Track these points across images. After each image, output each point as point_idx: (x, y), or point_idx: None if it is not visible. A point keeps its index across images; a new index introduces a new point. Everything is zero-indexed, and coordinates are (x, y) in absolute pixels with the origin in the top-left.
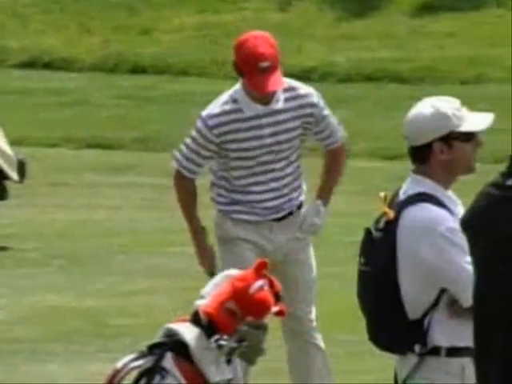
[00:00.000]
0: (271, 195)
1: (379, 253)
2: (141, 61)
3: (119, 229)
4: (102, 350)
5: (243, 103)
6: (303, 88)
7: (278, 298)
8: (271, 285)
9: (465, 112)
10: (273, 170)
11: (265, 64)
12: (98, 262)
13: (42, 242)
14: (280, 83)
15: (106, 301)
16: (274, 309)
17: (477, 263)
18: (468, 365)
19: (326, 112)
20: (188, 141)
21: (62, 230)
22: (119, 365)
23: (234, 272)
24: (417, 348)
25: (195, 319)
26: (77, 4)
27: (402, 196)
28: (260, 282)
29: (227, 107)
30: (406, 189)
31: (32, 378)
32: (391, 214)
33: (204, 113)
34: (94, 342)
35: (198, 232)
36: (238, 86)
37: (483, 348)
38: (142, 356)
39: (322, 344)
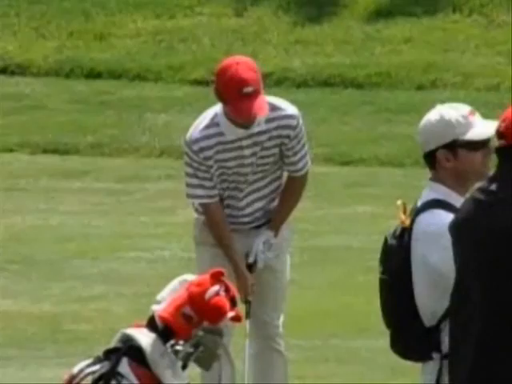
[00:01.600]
0: (251, 210)
1: (394, 261)
2: (96, 66)
3: (74, 234)
4: (58, 355)
5: (224, 127)
6: (287, 109)
7: (233, 303)
8: (227, 290)
9: (474, 119)
10: (257, 189)
11: (249, 89)
12: (53, 267)
13: None
14: (265, 108)
15: (61, 306)
16: (230, 314)
17: (459, 267)
18: None
19: (301, 139)
20: (186, 170)
21: (17, 235)
22: (75, 370)
23: (190, 277)
24: (434, 355)
25: (151, 324)
26: (32, 9)
27: (419, 203)
28: (216, 288)
29: (209, 131)
30: (423, 196)
31: None
32: (407, 221)
33: (187, 138)
34: (50, 347)
35: (236, 260)
36: (218, 109)
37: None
38: (97, 361)
39: (283, 350)
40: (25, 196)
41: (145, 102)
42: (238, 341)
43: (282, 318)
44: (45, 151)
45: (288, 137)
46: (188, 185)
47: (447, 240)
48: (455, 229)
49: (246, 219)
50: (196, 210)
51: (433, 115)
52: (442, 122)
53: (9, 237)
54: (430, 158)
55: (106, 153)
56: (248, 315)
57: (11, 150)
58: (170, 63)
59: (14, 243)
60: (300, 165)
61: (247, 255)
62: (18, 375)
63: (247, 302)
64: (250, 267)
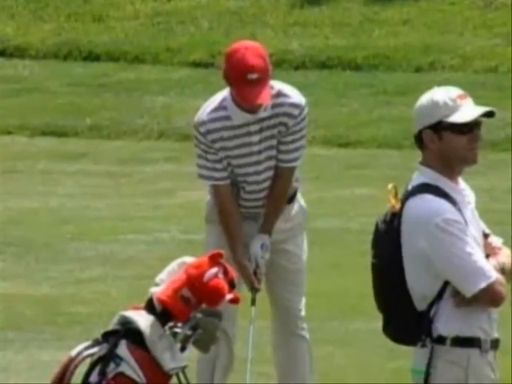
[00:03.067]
0: (260, 203)
1: (384, 245)
2: (94, 48)
3: (73, 216)
4: (56, 337)
5: (232, 111)
6: (293, 97)
7: (232, 285)
8: (225, 272)
9: (463, 103)
10: (264, 181)
11: (254, 76)
12: (51, 250)
13: None
14: (268, 97)
15: (59, 288)
16: (228, 296)
17: None
18: (474, 355)
19: (302, 129)
20: (196, 151)
21: (15, 218)
22: (73, 352)
23: (188, 259)
24: (424, 338)
25: (150, 307)
26: None
27: (409, 187)
28: (214, 270)
29: (216, 114)
30: (413, 180)
31: None
32: (397, 206)
33: (195, 120)
34: (48, 329)
35: (236, 250)
36: (227, 92)
37: None
38: (96, 344)
39: (307, 335)
40: (23, 178)
41: (143, 85)
42: (243, 324)
43: (303, 301)
44: (43, 133)
45: (285, 125)
46: (198, 166)
47: (434, 225)
48: None
49: (255, 210)
50: (209, 191)
51: (424, 97)
52: (429, 103)
53: (7, 219)
54: (419, 140)
55: (105, 135)
56: (253, 302)
57: (9, 133)
58: (169, 45)
59: (12, 226)
60: (294, 155)
61: (249, 260)
62: (17, 358)
63: (253, 289)
64: (254, 273)
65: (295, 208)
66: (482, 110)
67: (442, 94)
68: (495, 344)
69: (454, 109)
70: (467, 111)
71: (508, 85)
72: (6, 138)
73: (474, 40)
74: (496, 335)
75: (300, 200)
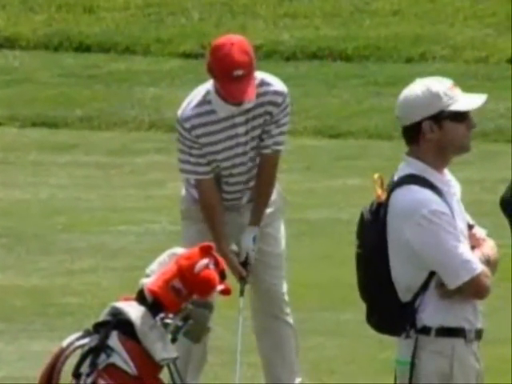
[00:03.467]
0: (240, 194)
1: (370, 235)
2: (85, 39)
3: (63, 207)
4: (47, 328)
5: (216, 104)
6: (275, 85)
7: (223, 276)
8: (216, 263)
9: (457, 92)
10: (248, 171)
11: (239, 72)
12: (42, 241)
13: None
14: (253, 92)
15: (50, 279)
16: (219, 287)
17: None
18: (459, 345)
19: (286, 116)
20: (179, 146)
21: (5, 209)
22: (65, 343)
23: (179, 250)
24: (408, 329)
25: (141, 298)
26: None
27: (395, 178)
28: (205, 261)
29: (201, 109)
30: (399, 171)
31: None
32: (383, 196)
33: (179, 115)
34: (38, 320)
35: (221, 245)
36: (210, 86)
37: None
38: (87, 335)
39: (290, 320)
40: (13, 169)
41: (134, 76)
42: (230, 315)
43: (285, 286)
44: (34, 124)
45: (270, 113)
46: (181, 161)
47: (420, 216)
48: (508, 204)
49: (237, 202)
50: (186, 185)
51: (417, 88)
52: (428, 94)
53: None
54: (412, 132)
55: (95, 126)
56: (242, 293)
57: (0, 124)
58: (159, 36)
59: (2, 217)
60: (278, 139)
61: (237, 254)
62: (7, 349)
63: (241, 280)
64: (244, 265)
65: (274, 193)
66: (483, 97)
67: (437, 84)
68: (479, 334)
69: (452, 98)
70: (465, 100)
71: (499, 75)
72: None
73: (464, 30)
74: (480, 325)
75: (277, 185)
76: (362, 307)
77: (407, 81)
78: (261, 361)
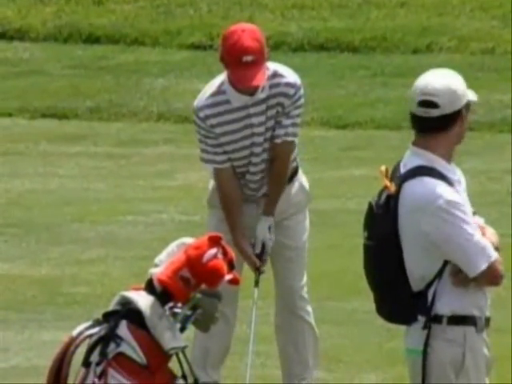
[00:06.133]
0: (258, 185)
1: (381, 227)
2: (94, 31)
3: (73, 198)
4: (57, 318)
5: (230, 94)
6: (288, 77)
7: (231, 266)
8: (225, 253)
9: None
10: (263, 161)
11: (249, 58)
12: (51, 231)
13: None
14: (262, 79)
15: (59, 269)
16: (228, 277)
17: None
18: (470, 333)
19: (299, 107)
20: (197, 136)
21: (15, 199)
22: (75, 332)
23: (188, 240)
24: (420, 318)
25: (150, 287)
26: None
27: (402, 169)
28: (213, 251)
29: (215, 99)
30: (406, 162)
31: None
32: (392, 188)
33: (194, 105)
34: (49, 310)
35: (237, 236)
36: (224, 76)
37: None
38: (96, 324)
39: (306, 316)
40: (24, 160)
41: (143, 67)
42: (243, 305)
43: (304, 281)
44: (43, 116)
45: (282, 105)
46: (200, 150)
47: (437, 208)
48: None
49: (256, 193)
50: (212, 175)
51: (452, 76)
52: (462, 82)
53: (7, 201)
54: (449, 120)
55: (104, 117)
56: (257, 284)
57: (10, 115)
58: (168, 28)
59: (12, 207)
60: (290, 130)
61: (253, 246)
62: (18, 338)
63: (257, 271)
64: (260, 255)
65: (295, 187)
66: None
67: (456, 74)
68: (488, 322)
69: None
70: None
71: (505, 66)
72: (7, 120)
73: (470, 22)
74: (488, 313)
75: (301, 179)
76: (369, 296)
77: (414, 72)
78: (279, 353)
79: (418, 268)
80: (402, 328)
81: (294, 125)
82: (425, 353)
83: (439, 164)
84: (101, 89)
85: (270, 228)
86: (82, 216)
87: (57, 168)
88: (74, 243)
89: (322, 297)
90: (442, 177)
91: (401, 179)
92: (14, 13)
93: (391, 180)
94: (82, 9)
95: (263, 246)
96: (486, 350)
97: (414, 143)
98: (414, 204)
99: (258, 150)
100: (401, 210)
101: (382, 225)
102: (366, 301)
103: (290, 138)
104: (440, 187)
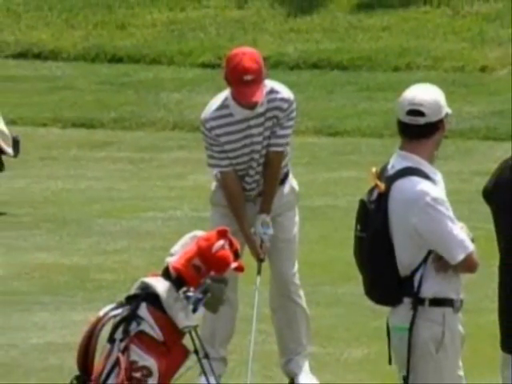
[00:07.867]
0: (256, 186)
1: (373, 221)
2: (118, 52)
3: (100, 196)
4: (86, 301)
5: (233, 108)
6: (283, 93)
7: (236, 255)
8: (231, 244)
9: None
10: (259, 165)
11: (249, 77)
12: (81, 225)
13: (33, 208)
14: (261, 95)
15: (88, 258)
16: (233, 265)
17: (502, 229)
18: (449, 314)
19: (291, 119)
20: (204, 144)
21: (50, 198)
22: (101, 313)
23: (199, 233)
24: (406, 300)
25: (166, 274)
26: (62, 3)
27: (390, 171)
28: (221, 242)
29: (219, 112)
30: (394, 164)
31: (25, 324)
32: (382, 186)
33: (201, 117)
34: (78, 294)
35: (245, 229)
36: (228, 92)
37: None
38: (120, 306)
39: (298, 300)
40: (57, 164)
41: (160, 83)
42: (247, 290)
43: (295, 269)
44: (74, 125)
45: (277, 117)
46: (207, 156)
47: (425, 204)
48: (492, 196)
49: (253, 192)
50: (215, 178)
51: (435, 89)
52: (440, 96)
53: (43, 199)
54: (432, 127)
55: (127, 126)
56: (259, 272)
57: (45, 125)
58: (182, 49)
59: (48, 205)
60: (281, 141)
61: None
62: (52, 318)
63: (259, 260)
64: (260, 247)
65: (286, 188)
66: None
67: (438, 88)
68: (462, 304)
69: None
70: None
71: (474, 82)
72: (42, 129)
73: (444, 44)
74: (462, 296)
75: (292, 181)
76: (356, 282)
77: (395, 87)
78: (275, 332)
79: (406, 256)
80: (385, 309)
81: (285, 136)
82: (411, 330)
83: (424, 166)
84: (124, 102)
85: (263, 224)
86: (107, 212)
87: (85, 171)
88: (101, 236)
89: (316, 282)
90: (427, 177)
91: (390, 179)
92: (48, 36)
93: (379, 180)
94: (107, 33)
95: (261, 239)
96: (461, 328)
97: (401, 148)
98: (404, 200)
99: (256, 156)
100: (391, 205)
101: (375, 219)
102: (353, 286)
103: (280, 149)
104: (426, 186)
